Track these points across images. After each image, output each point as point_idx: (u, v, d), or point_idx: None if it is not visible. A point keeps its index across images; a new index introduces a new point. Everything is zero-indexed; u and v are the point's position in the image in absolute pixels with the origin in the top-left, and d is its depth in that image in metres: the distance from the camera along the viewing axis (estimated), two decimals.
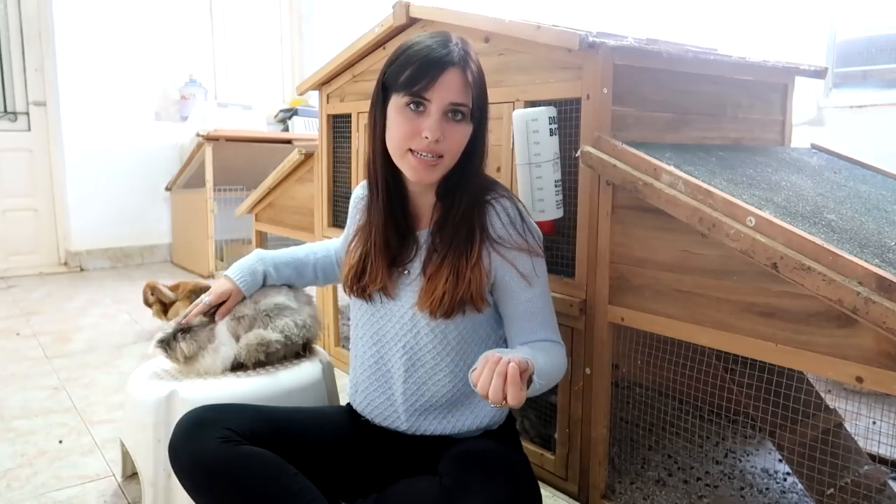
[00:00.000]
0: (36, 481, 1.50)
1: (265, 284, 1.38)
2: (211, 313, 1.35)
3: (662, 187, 1.12)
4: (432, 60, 1.02)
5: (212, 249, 3.85)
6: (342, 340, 2.28)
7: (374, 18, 1.83)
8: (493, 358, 0.89)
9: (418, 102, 1.03)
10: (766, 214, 0.99)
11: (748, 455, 1.56)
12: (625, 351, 1.35)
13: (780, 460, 1.47)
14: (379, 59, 1.87)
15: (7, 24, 3.96)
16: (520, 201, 1.14)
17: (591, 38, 1.24)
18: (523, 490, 1.00)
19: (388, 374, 1.16)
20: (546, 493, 1.40)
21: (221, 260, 3.99)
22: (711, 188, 1.07)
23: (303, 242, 2.92)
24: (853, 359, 0.92)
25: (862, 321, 0.88)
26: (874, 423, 1.31)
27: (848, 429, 1.31)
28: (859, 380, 0.91)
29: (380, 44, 1.87)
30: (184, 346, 1.29)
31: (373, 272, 1.13)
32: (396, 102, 1.05)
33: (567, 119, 1.34)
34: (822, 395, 1.32)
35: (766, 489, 1.41)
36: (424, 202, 1.15)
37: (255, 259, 1.38)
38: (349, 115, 2.05)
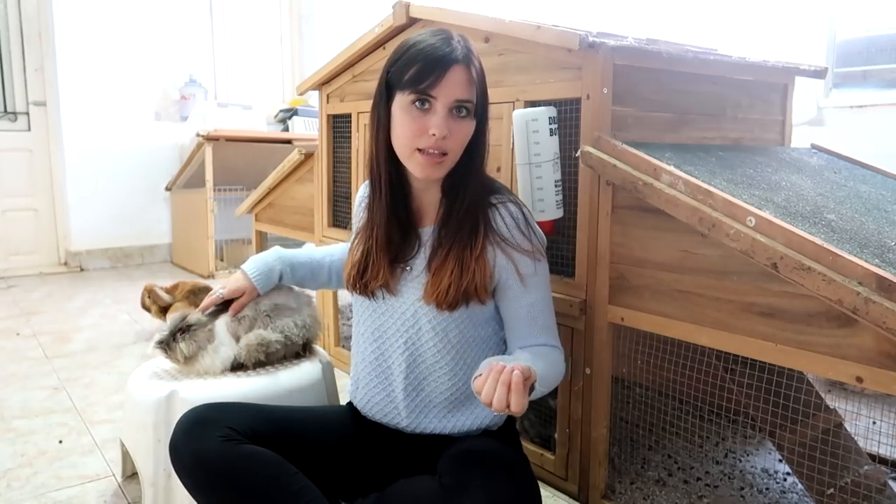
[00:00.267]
0: (36, 481, 1.50)
1: (280, 283, 1.38)
2: (213, 311, 1.35)
3: (662, 187, 1.12)
4: (437, 58, 1.02)
5: (212, 249, 3.85)
6: (342, 340, 2.28)
7: (374, 18, 1.83)
8: (496, 367, 0.89)
9: (424, 100, 1.03)
10: (766, 214, 0.99)
11: (748, 455, 1.56)
12: (625, 351, 1.35)
13: (780, 460, 1.47)
14: (379, 59, 1.87)
15: (7, 24, 3.96)
16: (525, 206, 1.15)
17: (591, 38, 1.24)
18: (523, 489, 1.00)
19: (388, 371, 1.16)
20: (546, 493, 1.40)
21: (221, 260, 3.99)
22: (711, 188, 1.07)
23: (303, 242, 2.92)
24: (853, 359, 0.92)
25: (862, 321, 0.88)
26: (874, 423, 1.31)
27: (848, 429, 1.31)
28: (859, 380, 0.91)
29: (380, 44, 1.87)
30: (183, 346, 1.29)
31: (374, 269, 1.14)
32: (401, 100, 1.05)
33: (567, 119, 1.35)
34: (822, 395, 1.31)
35: (766, 489, 1.41)
36: (427, 199, 1.15)
37: (274, 257, 1.37)
38: (349, 115, 2.05)
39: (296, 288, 1.44)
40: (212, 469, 1.00)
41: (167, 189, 4.36)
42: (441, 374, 1.12)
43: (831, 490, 1.15)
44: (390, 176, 1.12)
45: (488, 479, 0.96)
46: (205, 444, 1.02)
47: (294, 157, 2.36)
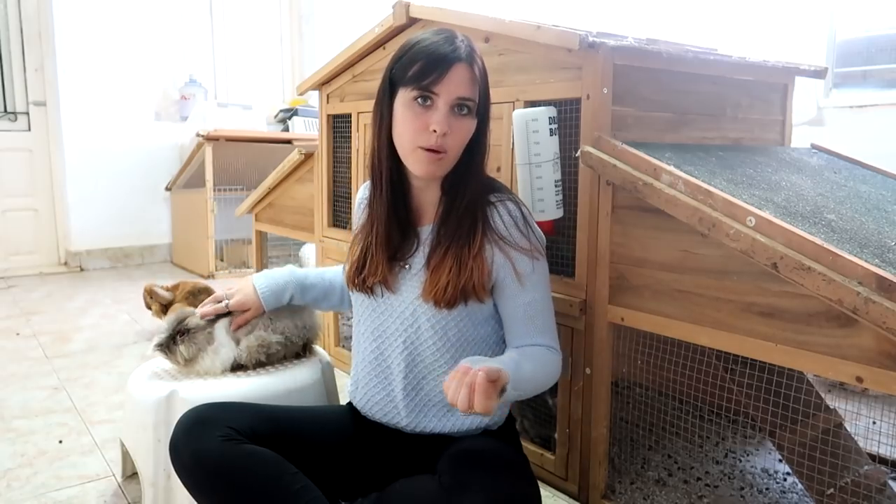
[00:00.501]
0: (36, 481, 1.50)
1: (289, 303, 1.35)
2: (212, 318, 1.34)
3: (662, 187, 1.12)
4: (441, 56, 1.03)
5: (212, 249, 3.85)
6: (342, 340, 2.28)
7: (374, 18, 1.83)
8: (462, 367, 0.91)
9: (426, 96, 1.04)
10: (766, 214, 0.99)
11: (748, 455, 1.56)
12: (625, 351, 1.35)
13: (780, 460, 1.47)
14: (379, 59, 1.87)
15: (7, 24, 3.96)
16: (523, 203, 1.15)
17: (591, 38, 1.24)
18: (523, 489, 1.00)
19: (388, 370, 1.16)
20: (546, 493, 1.40)
21: (221, 260, 3.99)
22: (711, 188, 1.07)
23: (303, 243, 2.90)
24: (853, 359, 0.92)
25: (862, 321, 0.88)
26: (874, 423, 1.31)
27: (848, 429, 1.31)
28: (859, 380, 0.91)
29: (380, 44, 1.87)
30: (183, 349, 1.29)
31: (373, 264, 1.14)
32: (404, 97, 1.06)
33: (567, 119, 1.35)
34: (822, 395, 1.31)
35: (766, 489, 1.41)
36: (427, 198, 1.15)
37: (286, 278, 1.34)
38: (349, 115, 2.05)
39: None
40: (212, 469, 1.00)
41: (167, 189, 4.36)
42: (440, 374, 1.12)
43: (831, 490, 1.15)
44: (391, 173, 1.12)
45: (488, 479, 0.96)
46: (205, 443, 1.02)
47: (294, 157, 2.36)
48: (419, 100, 1.04)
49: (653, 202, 1.14)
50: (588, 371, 1.33)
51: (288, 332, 1.37)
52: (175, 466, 1.04)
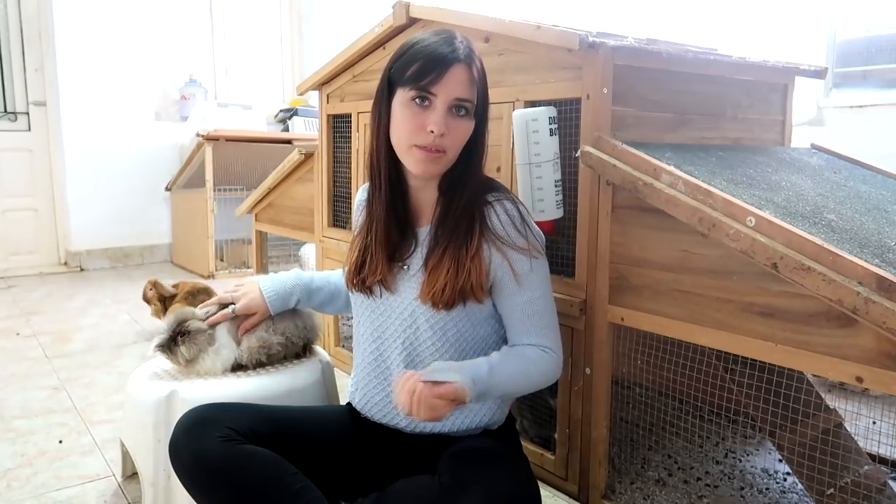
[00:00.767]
0: (36, 481, 1.50)
1: (295, 307, 1.36)
2: (215, 321, 1.33)
3: (662, 187, 1.12)
4: (439, 56, 1.03)
5: (212, 249, 3.85)
6: (342, 340, 2.28)
7: (374, 18, 1.83)
8: (405, 375, 0.98)
9: (424, 97, 1.04)
10: (766, 214, 0.99)
11: (748, 455, 1.56)
12: (625, 351, 1.35)
13: (780, 460, 1.47)
14: (379, 59, 1.87)
15: (7, 24, 3.96)
16: (521, 203, 1.15)
17: (591, 38, 1.24)
18: (522, 489, 1.00)
19: (387, 371, 1.16)
20: (546, 493, 1.40)
21: (221, 260, 3.99)
22: (711, 188, 1.07)
23: (303, 243, 2.90)
24: (853, 359, 0.92)
25: (862, 321, 0.88)
26: (874, 423, 1.31)
27: (848, 429, 1.31)
28: (859, 380, 0.91)
29: (380, 44, 1.87)
30: (184, 349, 1.29)
31: (372, 264, 1.14)
32: (402, 97, 1.06)
33: (567, 119, 1.35)
34: (822, 395, 1.31)
35: (766, 489, 1.41)
36: (425, 198, 1.15)
37: (293, 282, 1.34)
38: (349, 115, 2.05)
39: None
40: (212, 469, 1.00)
41: (167, 189, 4.36)
42: None
43: (831, 490, 1.15)
44: (389, 173, 1.12)
45: (488, 479, 0.96)
46: (205, 444, 1.02)
47: (294, 157, 2.36)
48: (417, 100, 1.04)
49: (653, 202, 1.14)
50: (588, 371, 1.33)
51: (289, 333, 1.37)
52: (175, 467, 1.04)
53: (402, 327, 1.13)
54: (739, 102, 1.57)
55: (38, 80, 4.07)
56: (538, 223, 1.18)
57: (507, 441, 1.17)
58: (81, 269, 4.12)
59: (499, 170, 1.48)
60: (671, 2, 2.81)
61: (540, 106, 1.34)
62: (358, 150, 2.00)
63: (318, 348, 1.49)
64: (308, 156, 2.31)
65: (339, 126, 2.13)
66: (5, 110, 4.00)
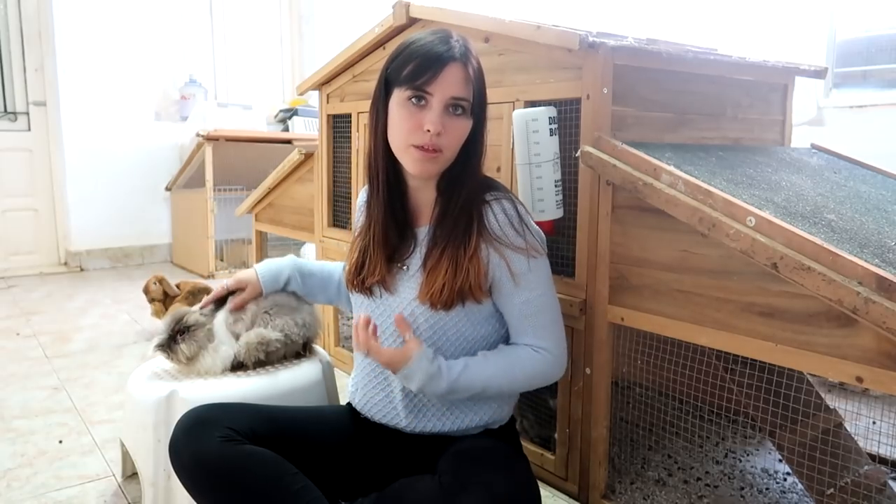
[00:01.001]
0: (36, 481, 1.50)
1: (287, 289, 1.39)
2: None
3: (662, 187, 1.12)
4: (435, 55, 1.04)
5: (212, 249, 3.85)
6: (342, 340, 2.28)
7: (374, 18, 1.83)
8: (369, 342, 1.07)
9: (420, 96, 1.04)
10: (766, 214, 0.99)
11: (748, 455, 1.56)
12: (625, 351, 1.35)
13: (780, 460, 1.47)
14: (379, 59, 1.87)
15: (7, 24, 3.96)
16: (520, 202, 1.15)
17: (591, 38, 1.24)
18: (522, 488, 1.00)
19: (386, 371, 1.15)
20: (546, 493, 1.40)
21: (221, 260, 3.99)
22: (711, 188, 1.07)
23: (303, 242, 2.90)
24: (853, 359, 0.92)
25: (862, 321, 0.88)
26: (874, 423, 1.31)
27: (848, 429, 1.31)
28: (859, 380, 0.91)
29: (380, 44, 1.87)
30: (184, 347, 1.29)
31: (372, 264, 1.14)
32: (398, 97, 1.06)
33: (567, 119, 1.34)
34: (822, 395, 1.31)
35: (766, 489, 1.41)
36: (423, 198, 1.15)
37: (286, 262, 1.40)
38: (349, 115, 2.05)
39: None
40: (211, 469, 1.00)
41: (167, 189, 4.36)
42: None
43: (831, 490, 1.15)
44: (387, 173, 1.13)
45: (488, 478, 0.97)
46: (204, 444, 1.02)
47: (294, 157, 2.36)
48: (413, 99, 1.05)
49: (653, 202, 1.14)
50: (588, 371, 1.33)
51: (287, 330, 1.36)
52: (175, 467, 1.04)
53: None
54: (739, 102, 1.57)
55: (38, 80, 4.07)
56: (538, 223, 1.18)
57: (508, 441, 1.17)
58: (81, 269, 4.12)
59: (499, 170, 1.48)
60: (671, 2, 2.81)
61: (540, 106, 1.34)
62: (358, 150, 2.00)
63: (318, 348, 1.49)
64: (308, 156, 2.31)
65: (339, 126, 2.13)
66: (5, 110, 4.00)
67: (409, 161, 1.08)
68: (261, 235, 2.82)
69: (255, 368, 1.35)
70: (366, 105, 1.89)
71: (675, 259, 1.16)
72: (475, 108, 1.09)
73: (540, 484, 1.07)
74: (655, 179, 1.14)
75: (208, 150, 3.77)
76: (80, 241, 4.13)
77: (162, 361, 1.36)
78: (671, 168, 1.13)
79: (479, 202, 1.11)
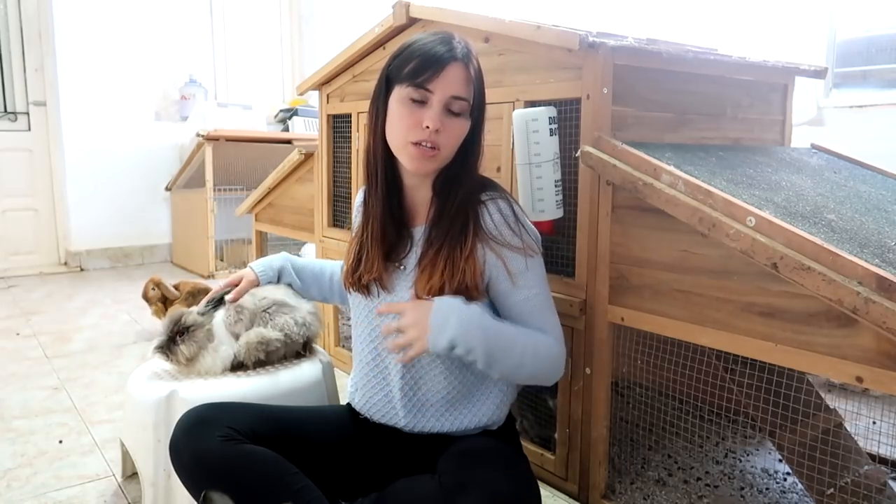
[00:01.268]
0: (36, 481, 1.50)
1: (281, 281, 1.44)
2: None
3: (662, 187, 1.12)
4: (437, 54, 1.04)
5: (212, 249, 3.85)
6: (342, 340, 2.28)
7: (374, 18, 1.83)
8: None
9: (421, 94, 1.05)
10: (766, 214, 0.99)
11: (748, 455, 1.56)
12: (625, 351, 1.35)
13: (780, 460, 1.47)
14: (379, 60, 1.87)
15: (7, 24, 3.96)
16: (515, 201, 1.15)
17: (591, 38, 1.24)
18: (522, 488, 1.00)
19: (385, 371, 1.16)
20: (546, 493, 1.40)
21: (221, 260, 3.98)
22: (711, 188, 1.07)
23: (303, 242, 2.90)
24: (853, 359, 0.92)
25: (862, 321, 0.88)
26: (874, 423, 1.31)
27: (848, 429, 1.31)
28: (859, 380, 0.91)
29: (380, 44, 1.87)
30: (184, 348, 1.29)
31: (369, 262, 1.14)
32: (399, 94, 1.07)
33: (567, 119, 1.35)
34: (822, 395, 1.31)
35: (766, 489, 1.41)
36: (419, 198, 1.16)
37: (278, 256, 1.47)
38: (349, 115, 2.05)
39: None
40: (212, 469, 1.00)
41: (167, 189, 4.36)
42: (437, 374, 1.12)
43: (831, 490, 1.15)
44: (385, 171, 1.13)
45: (487, 479, 0.97)
46: (205, 443, 1.02)
47: (294, 157, 2.36)
48: (414, 97, 1.05)
49: (653, 202, 1.14)
50: (588, 371, 1.33)
51: (287, 329, 1.37)
52: (175, 466, 1.04)
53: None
54: (739, 102, 1.57)
55: (38, 80, 4.07)
56: (538, 223, 1.18)
57: (507, 441, 1.17)
58: (81, 269, 4.12)
59: (499, 170, 1.48)
60: (671, 2, 2.81)
61: (540, 106, 1.34)
62: (358, 150, 2.00)
63: (318, 348, 1.49)
64: (308, 156, 2.31)
65: (339, 126, 2.13)
66: (5, 110, 4.00)
67: (406, 158, 1.08)
68: (261, 235, 2.82)
69: (255, 368, 1.35)
70: (366, 105, 1.88)
71: (675, 259, 1.16)
72: (474, 109, 1.09)
73: (540, 484, 1.07)
74: (655, 179, 1.14)
75: (208, 150, 3.77)
76: (80, 241, 4.13)
77: (161, 361, 1.36)
78: (671, 168, 1.13)
79: (474, 202, 1.11)
